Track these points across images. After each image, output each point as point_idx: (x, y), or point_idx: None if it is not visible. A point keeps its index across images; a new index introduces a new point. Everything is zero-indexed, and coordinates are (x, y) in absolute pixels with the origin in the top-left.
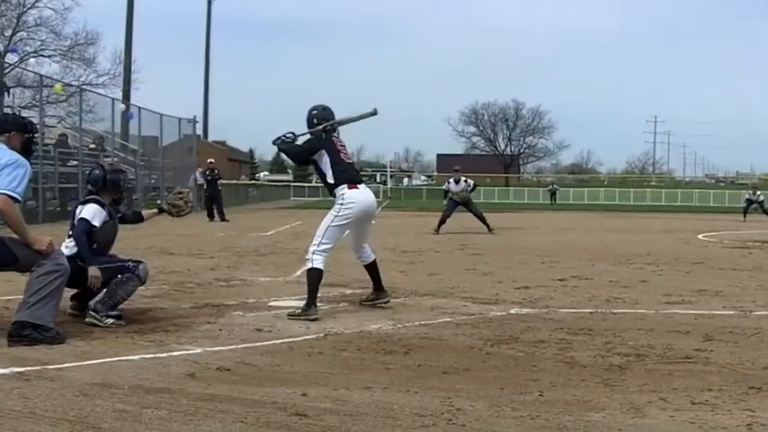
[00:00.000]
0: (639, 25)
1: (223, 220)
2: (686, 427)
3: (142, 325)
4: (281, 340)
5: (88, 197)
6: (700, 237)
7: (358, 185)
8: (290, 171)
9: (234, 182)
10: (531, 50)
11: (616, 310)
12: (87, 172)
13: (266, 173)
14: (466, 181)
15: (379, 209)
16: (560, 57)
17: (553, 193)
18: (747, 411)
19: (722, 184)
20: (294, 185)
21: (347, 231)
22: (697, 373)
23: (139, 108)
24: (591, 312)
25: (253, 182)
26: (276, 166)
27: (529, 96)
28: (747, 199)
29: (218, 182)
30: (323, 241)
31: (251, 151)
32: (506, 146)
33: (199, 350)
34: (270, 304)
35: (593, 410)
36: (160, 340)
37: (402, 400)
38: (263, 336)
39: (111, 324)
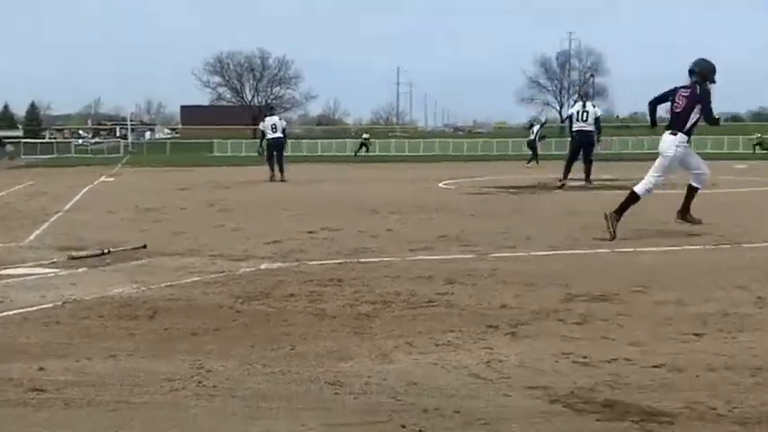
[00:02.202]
0: None
1: None
2: (430, 369)
3: None
4: (13, 311)
5: None
6: (440, 185)
7: None
8: (21, 126)
9: None
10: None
11: (364, 260)
12: None
13: None
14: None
15: (119, 165)
16: (305, 5)
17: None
18: (486, 349)
19: (461, 133)
20: (25, 142)
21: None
22: (439, 316)
23: None
24: (340, 263)
25: None
26: (5, 122)
27: (275, 46)
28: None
29: None
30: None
31: None
32: (253, 96)
33: None
34: (0, 272)
35: (343, 360)
36: None
37: (149, 366)
38: None
39: None
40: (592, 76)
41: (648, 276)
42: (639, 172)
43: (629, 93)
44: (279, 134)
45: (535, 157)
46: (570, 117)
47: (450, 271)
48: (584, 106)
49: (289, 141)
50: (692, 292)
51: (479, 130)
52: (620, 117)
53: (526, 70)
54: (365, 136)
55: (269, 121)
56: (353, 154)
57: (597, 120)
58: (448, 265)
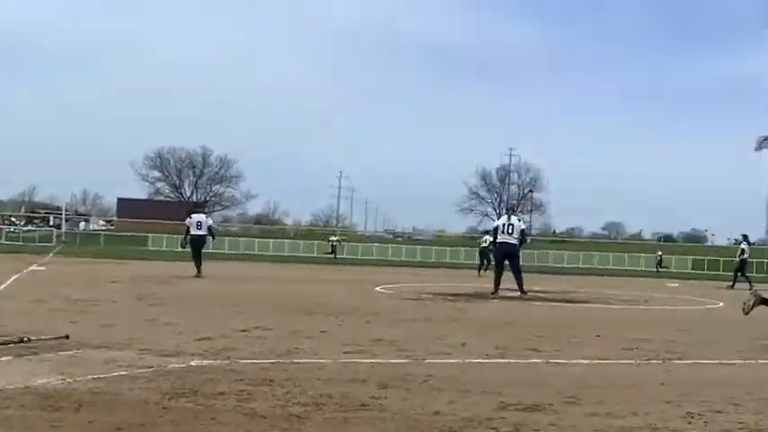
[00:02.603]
0: (326, 78)
1: None
2: None
3: None
4: None
5: None
6: (378, 289)
7: None
8: None
9: None
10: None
11: (297, 360)
12: None
13: None
14: None
15: (50, 254)
16: (249, 105)
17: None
18: None
19: (399, 239)
20: None
21: None
22: (371, 421)
23: None
24: (272, 363)
25: None
26: None
27: (217, 144)
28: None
29: None
30: None
31: None
32: (192, 193)
33: None
34: None
35: None
36: None
37: None
38: None
39: None
40: (530, 191)
41: (580, 388)
42: (573, 285)
43: (565, 208)
44: (203, 231)
45: (487, 265)
46: (496, 229)
47: (385, 375)
48: (509, 219)
49: (214, 239)
50: (622, 404)
51: (419, 237)
52: (557, 232)
53: (467, 181)
54: (333, 239)
55: (195, 218)
56: (332, 255)
57: (522, 232)
58: (382, 369)
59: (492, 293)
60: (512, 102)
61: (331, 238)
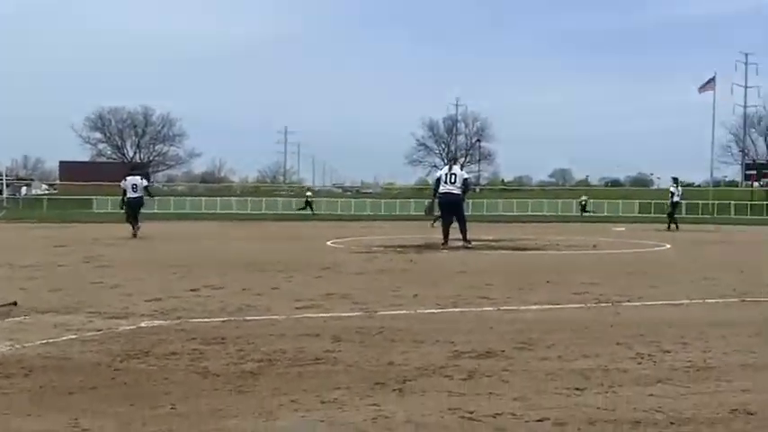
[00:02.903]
0: (268, 32)
1: None
2: (316, 426)
3: None
4: None
5: None
6: (329, 243)
7: None
8: None
9: None
10: (160, 56)
11: (249, 318)
12: None
13: None
14: None
15: None
16: (190, 64)
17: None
18: (373, 406)
19: (349, 193)
20: None
21: None
22: (326, 374)
23: None
24: (223, 321)
25: None
26: None
27: (158, 103)
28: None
29: None
30: None
31: None
32: (135, 153)
33: None
34: None
35: (226, 418)
36: None
37: (23, 425)
38: None
39: None
40: (478, 140)
41: (532, 333)
42: (522, 233)
43: (514, 157)
44: (139, 194)
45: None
46: (438, 180)
47: (338, 329)
48: (450, 169)
49: (153, 197)
50: (573, 348)
51: (368, 191)
52: (506, 181)
53: (414, 133)
54: (309, 194)
55: (130, 180)
56: (301, 210)
57: (465, 181)
58: (335, 323)
59: (442, 244)
60: (457, 54)
61: (307, 194)
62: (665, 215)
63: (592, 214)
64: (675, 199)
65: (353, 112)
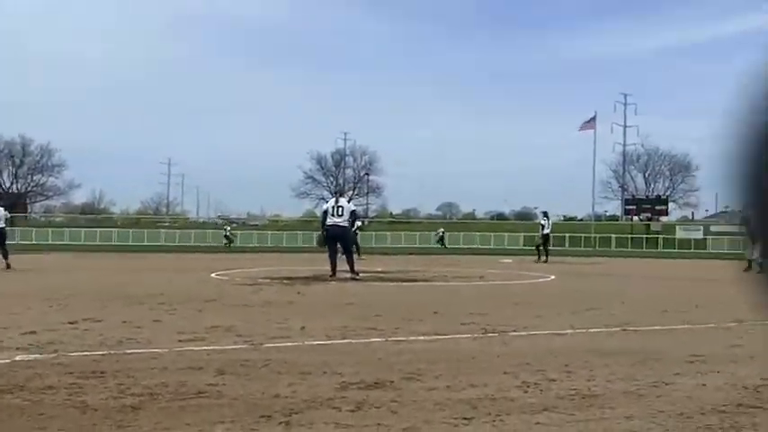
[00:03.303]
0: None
1: None
2: None
3: None
4: None
5: None
6: (213, 275)
7: None
8: None
9: None
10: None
11: (129, 351)
12: None
13: None
14: None
15: None
16: (70, 92)
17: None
18: None
19: (235, 224)
20: None
21: None
22: (209, 407)
23: None
24: (103, 354)
25: None
26: None
27: (37, 132)
28: None
29: None
30: None
31: None
32: (12, 183)
33: None
34: None
35: None
36: None
37: None
38: None
39: None
40: (366, 174)
41: (420, 364)
42: (410, 265)
43: (401, 191)
44: (1, 224)
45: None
46: (325, 213)
47: (222, 361)
48: (337, 201)
49: (16, 230)
50: (461, 378)
51: (254, 223)
52: (394, 214)
53: (301, 166)
54: (228, 228)
55: None
56: (227, 245)
57: (353, 213)
58: (219, 356)
59: (330, 276)
60: (344, 87)
61: (226, 228)
62: (535, 247)
63: (446, 247)
64: (545, 231)
65: (239, 143)
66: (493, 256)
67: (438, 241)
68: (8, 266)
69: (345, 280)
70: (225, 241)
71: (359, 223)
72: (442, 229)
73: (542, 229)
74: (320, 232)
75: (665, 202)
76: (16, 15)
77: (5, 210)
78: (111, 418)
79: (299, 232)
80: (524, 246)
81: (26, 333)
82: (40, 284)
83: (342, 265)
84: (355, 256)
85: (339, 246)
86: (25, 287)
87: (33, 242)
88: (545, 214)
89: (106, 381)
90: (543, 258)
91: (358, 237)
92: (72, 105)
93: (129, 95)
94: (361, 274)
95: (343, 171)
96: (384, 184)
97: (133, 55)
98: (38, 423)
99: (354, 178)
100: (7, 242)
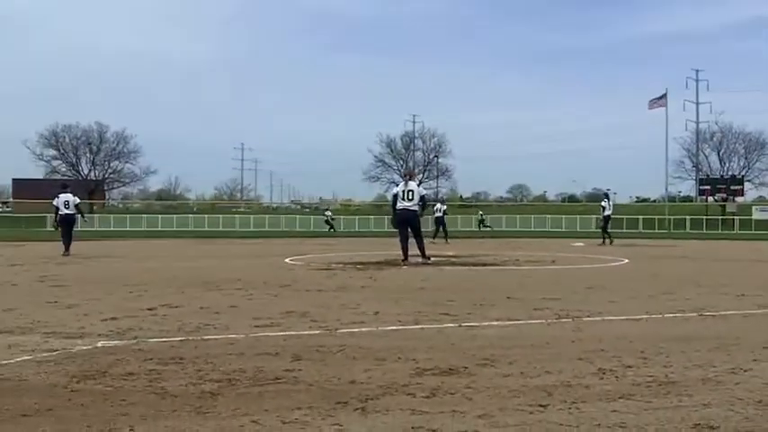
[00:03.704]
0: (226, 54)
1: None
2: None
3: None
4: None
5: None
6: (287, 260)
7: None
8: None
9: None
10: (114, 73)
11: (207, 337)
12: None
13: None
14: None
15: None
16: (145, 80)
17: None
18: (335, 425)
19: (307, 209)
20: None
21: None
22: (287, 393)
23: None
24: (181, 340)
25: None
26: None
27: (113, 120)
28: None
29: None
30: None
31: None
32: (90, 170)
33: None
34: None
35: None
36: None
37: None
38: None
39: None
40: (436, 156)
41: (494, 350)
42: (481, 248)
43: (471, 173)
44: (70, 210)
45: (444, 233)
46: (395, 196)
47: (298, 347)
48: (407, 185)
49: (83, 217)
50: (535, 364)
51: (326, 207)
52: (464, 197)
53: (372, 149)
54: (328, 213)
55: (62, 197)
56: (330, 229)
57: (422, 198)
58: (295, 341)
59: (402, 260)
60: (414, 71)
61: (326, 213)
62: (599, 230)
63: (491, 229)
64: (606, 213)
65: (311, 128)
66: (565, 239)
67: (480, 223)
68: (66, 253)
69: (417, 264)
70: (327, 227)
71: (444, 207)
72: (481, 212)
73: (603, 210)
74: (391, 216)
75: (741, 182)
76: (91, 8)
77: (74, 197)
78: (191, 404)
79: (371, 217)
80: (596, 228)
81: (107, 319)
82: (119, 271)
83: (413, 249)
84: (443, 240)
85: (409, 230)
86: (104, 274)
87: (112, 229)
88: (606, 196)
89: (185, 367)
90: (609, 241)
91: (445, 222)
92: (147, 93)
93: (204, 82)
94: (432, 259)
95: (413, 154)
96: (454, 166)
97: (207, 44)
98: (119, 409)
99: (424, 161)
100: (79, 229)
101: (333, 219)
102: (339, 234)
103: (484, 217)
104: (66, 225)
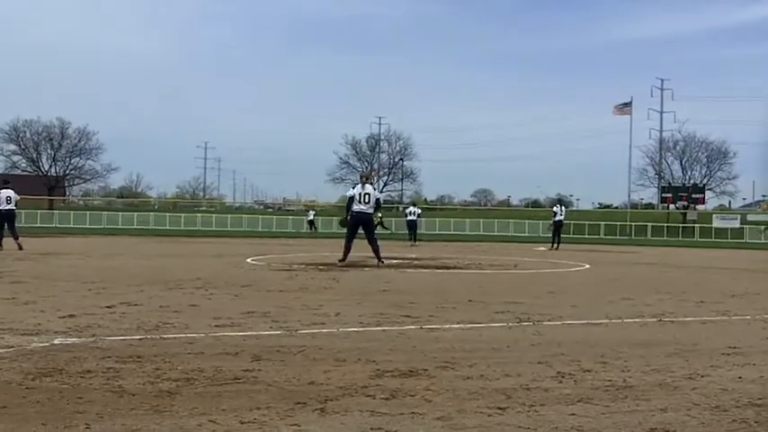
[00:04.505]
0: (191, 52)
1: None
2: None
3: None
4: None
5: None
6: (249, 260)
7: None
8: None
9: None
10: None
11: (166, 336)
12: None
13: None
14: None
15: None
16: (108, 77)
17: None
18: (294, 426)
19: (270, 209)
20: None
21: None
22: (245, 393)
23: None
24: (140, 339)
25: None
26: None
27: (75, 116)
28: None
29: None
30: None
31: None
32: (51, 166)
33: None
34: None
35: None
36: None
37: None
38: None
39: None
40: (401, 159)
41: (455, 353)
42: (444, 252)
43: (436, 176)
44: (12, 206)
45: (414, 236)
46: (351, 199)
47: (258, 347)
48: (363, 188)
49: (22, 212)
50: (495, 367)
51: (289, 208)
52: (428, 200)
53: (337, 151)
54: (312, 213)
55: (4, 193)
56: (312, 230)
57: (377, 201)
58: (255, 342)
59: (340, 261)
60: (381, 72)
61: (309, 212)
62: (548, 234)
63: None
64: (558, 218)
65: (275, 128)
66: (528, 243)
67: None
68: (20, 247)
69: (380, 267)
70: (308, 227)
71: (419, 211)
72: (380, 214)
73: (554, 216)
74: (345, 216)
75: (702, 191)
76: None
77: (15, 192)
78: (148, 403)
79: (334, 218)
80: (543, 234)
81: (64, 317)
82: (78, 268)
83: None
84: (410, 242)
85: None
86: (63, 271)
87: (71, 225)
88: (559, 201)
89: (143, 365)
90: (556, 246)
91: (417, 225)
92: (110, 90)
93: (166, 80)
94: (386, 261)
95: (378, 156)
96: (419, 169)
97: (169, 41)
98: (76, 407)
99: (389, 163)
100: (29, 225)
101: (315, 217)
102: (303, 235)
103: (382, 219)
104: (8, 221)
